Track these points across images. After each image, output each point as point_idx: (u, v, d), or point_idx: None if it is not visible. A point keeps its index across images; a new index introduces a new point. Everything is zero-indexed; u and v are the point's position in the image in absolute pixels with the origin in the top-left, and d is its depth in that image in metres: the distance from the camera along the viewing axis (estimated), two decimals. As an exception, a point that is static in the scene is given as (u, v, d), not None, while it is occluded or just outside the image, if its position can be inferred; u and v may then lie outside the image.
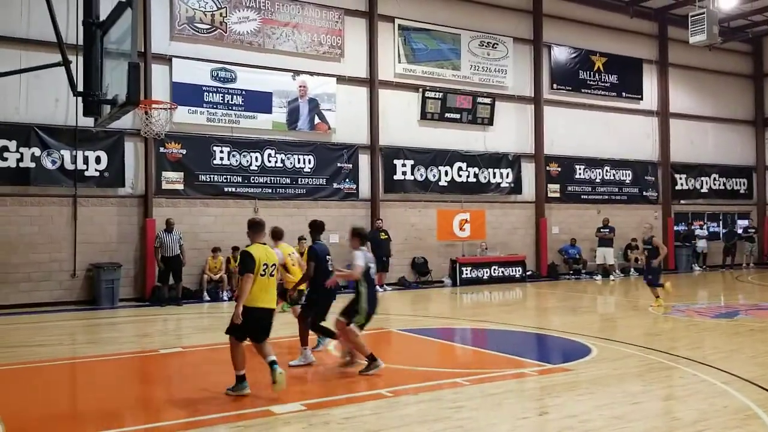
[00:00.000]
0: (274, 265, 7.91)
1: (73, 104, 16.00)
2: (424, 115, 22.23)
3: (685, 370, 9.07)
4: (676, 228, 28.13)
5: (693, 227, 28.81)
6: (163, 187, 18.15)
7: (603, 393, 7.92)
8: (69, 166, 17.01)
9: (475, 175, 23.24)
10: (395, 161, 21.74)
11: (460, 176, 22.94)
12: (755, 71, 30.67)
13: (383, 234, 19.92)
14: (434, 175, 22.43)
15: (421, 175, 22.19)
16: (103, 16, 7.05)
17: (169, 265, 17.05)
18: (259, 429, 6.66)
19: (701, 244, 28.28)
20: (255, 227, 8.13)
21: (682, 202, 28.64)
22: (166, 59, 18.21)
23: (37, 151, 16.72)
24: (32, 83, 16.48)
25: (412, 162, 22.01)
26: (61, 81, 14.33)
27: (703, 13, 21.60)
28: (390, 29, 21.78)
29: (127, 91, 6.34)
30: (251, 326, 7.81)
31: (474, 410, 7.20)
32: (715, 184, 29.56)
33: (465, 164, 23.02)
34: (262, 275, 7.77)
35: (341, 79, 20.80)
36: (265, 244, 8.10)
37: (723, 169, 29.76)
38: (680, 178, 28.51)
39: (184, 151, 18.42)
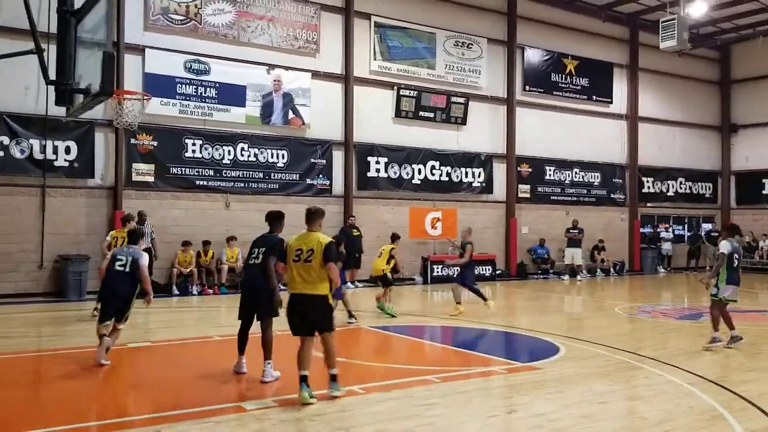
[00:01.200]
0: (310, 251, 7.51)
1: (44, 93, 15.70)
2: (398, 113, 22.21)
3: (651, 370, 9.16)
4: (642, 230, 28.47)
5: (659, 230, 29.18)
6: (133, 179, 17.92)
7: (571, 392, 7.97)
8: (38, 155, 16.72)
9: (448, 174, 23.29)
10: (369, 158, 21.70)
11: (433, 175, 22.97)
12: (722, 78, 31.13)
13: (356, 231, 19.88)
14: (407, 173, 22.42)
15: (395, 173, 22.17)
16: (77, 5, 6.91)
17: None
18: (230, 425, 6.60)
19: (666, 246, 28.66)
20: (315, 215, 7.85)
21: (648, 204, 28.99)
22: (139, 50, 17.97)
23: (5, 139, 16.42)
24: (2, 70, 16.14)
25: (385, 159, 21.98)
26: (32, 69, 14.08)
27: (674, 19, 21.85)
28: (366, 26, 21.72)
29: (101, 81, 6.22)
30: (288, 315, 7.67)
31: (444, 408, 7.20)
32: (681, 188, 29.97)
33: (438, 163, 23.06)
34: (294, 260, 7.57)
35: (316, 75, 20.70)
36: (312, 231, 7.74)
37: (689, 173, 30.18)
38: (647, 182, 28.85)
39: (155, 143, 18.20)
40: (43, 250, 16.83)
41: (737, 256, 11.17)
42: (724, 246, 11.10)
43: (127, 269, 9.32)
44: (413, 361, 10.27)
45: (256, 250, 8.62)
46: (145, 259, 9.56)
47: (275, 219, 8.86)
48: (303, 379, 7.37)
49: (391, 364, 9.62)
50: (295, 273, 7.53)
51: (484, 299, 14.96)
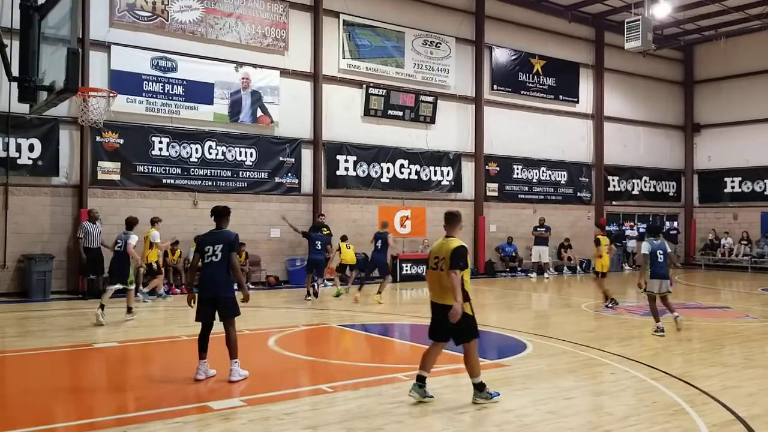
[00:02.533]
0: (442, 258, 7.31)
1: (6, 89, 15.41)
2: (367, 112, 22.21)
3: (617, 366, 9.28)
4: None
5: (624, 228, 29.56)
6: (98, 178, 17.70)
7: (538, 388, 8.04)
8: (1, 153, 16.43)
9: (417, 173, 23.35)
10: (338, 156, 21.66)
11: (401, 173, 23.00)
12: (686, 78, 31.63)
13: (325, 229, 19.82)
14: (376, 172, 22.43)
15: (364, 171, 22.16)
16: (41, 0, 6.81)
17: (90, 258, 16.40)
18: (197, 425, 6.54)
19: (631, 244, 29.03)
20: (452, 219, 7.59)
21: (614, 203, 29.37)
22: (105, 46, 17.75)
23: (-34, 137, 16.11)
24: (-37, 67, 15.83)
25: (354, 158, 21.96)
26: (-6, 65, 13.83)
27: (639, 20, 22.15)
28: (335, 24, 21.68)
29: (65, 78, 6.14)
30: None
31: (413, 405, 7.21)
32: (645, 187, 30.41)
33: (407, 161, 23.10)
34: (432, 268, 7.45)
35: (285, 73, 20.61)
36: (449, 236, 7.48)
37: (653, 172, 30.63)
38: (613, 180, 29.22)
39: (121, 141, 17.98)
40: (6, 249, 16.55)
41: (660, 252, 12.21)
42: (645, 247, 12.28)
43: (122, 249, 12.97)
44: (382, 359, 10.29)
45: (211, 247, 8.28)
46: (132, 239, 13.14)
47: (224, 215, 8.55)
48: (418, 379, 7.35)
49: (359, 363, 9.62)
50: (432, 281, 7.49)
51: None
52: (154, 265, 16.34)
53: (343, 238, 18.41)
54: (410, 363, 9.63)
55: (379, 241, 16.61)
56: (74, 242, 16.98)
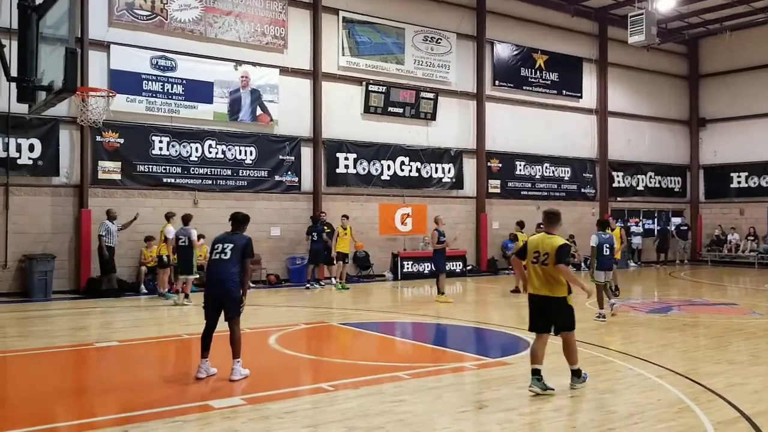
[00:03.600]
0: (546, 254, 7.90)
1: (6, 90, 15.46)
2: (367, 109, 22.23)
3: (621, 363, 9.30)
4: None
5: (629, 224, 29.54)
6: (99, 177, 17.75)
7: (541, 386, 8.06)
8: (1, 153, 16.49)
9: (418, 170, 23.37)
10: (338, 154, 21.70)
11: (402, 171, 23.03)
12: (690, 72, 31.58)
13: (327, 228, 19.87)
14: (377, 169, 22.47)
15: (364, 169, 22.20)
16: (39, 0, 6.85)
17: (111, 256, 16.89)
18: (198, 424, 6.59)
19: (636, 240, 29.01)
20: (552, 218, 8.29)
21: (618, 199, 29.34)
22: (104, 46, 17.79)
23: (-35, 137, 16.17)
24: (-39, 67, 15.89)
25: (354, 155, 22.00)
26: (-7, 65, 13.88)
27: (642, 14, 22.15)
28: (334, 21, 21.70)
29: (64, 78, 6.19)
30: (529, 312, 8.13)
31: (415, 404, 7.26)
32: (650, 182, 30.39)
33: (407, 159, 23.13)
34: (533, 262, 7.99)
35: (284, 71, 20.64)
36: (551, 234, 8.12)
37: (658, 167, 30.60)
38: (617, 176, 29.21)
39: (121, 141, 18.04)
40: (7, 249, 16.61)
41: (607, 246, 13.52)
42: (593, 240, 13.57)
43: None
44: (383, 357, 10.31)
45: (221, 245, 8.47)
46: (194, 233, 15.50)
47: (242, 222, 8.80)
48: (534, 373, 7.74)
49: (360, 361, 9.66)
50: (533, 274, 8.01)
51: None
52: (165, 259, 16.47)
53: (345, 217, 19.51)
54: (411, 361, 9.69)
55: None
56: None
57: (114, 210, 17.20)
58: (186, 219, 15.69)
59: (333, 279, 19.62)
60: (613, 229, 16.26)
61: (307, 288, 18.54)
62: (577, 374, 7.98)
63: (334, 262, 19.73)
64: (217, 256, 8.42)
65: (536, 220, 24.80)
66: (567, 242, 7.99)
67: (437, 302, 15.98)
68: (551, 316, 7.86)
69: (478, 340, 12.22)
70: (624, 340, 11.39)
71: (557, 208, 8.39)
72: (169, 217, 16.59)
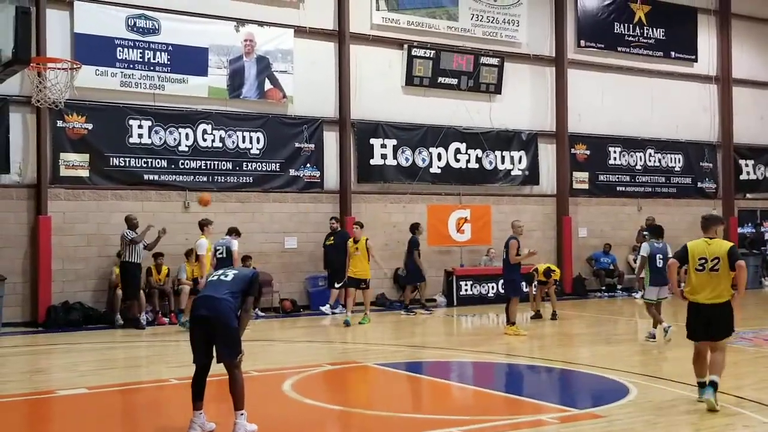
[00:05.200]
0: (716, 259, 9.44)
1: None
2: (410, 80, 22.24)
3: (753, 416, 9.15)
4: (740, 230, 28.35)
5: (762, 229, 29.07)
6: (61, 174, 17.99)
7: (645, 447, 7.98)
8: (-67, 144, 16.89)
9: (478, 160, 23.31)
10: (372, 140, 21.75)
11: (457, 161, 23.00)
12: None
13: (332, 239, 19.86)
14: (424, 160, 22.46)
15: (407, 159, 22.21)
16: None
17: (133, 275, 17.24)
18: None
19: (774, 250, 28.62)
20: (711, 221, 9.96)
21: (748, 196, 28.92)
22: (66, 3, 18.05)
23: None
24: None
25: (394, 141, 22.02)
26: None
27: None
28: (365, -35, 21.79)
29: (14, 46, 6.29)
30: (689, 320, 9.84)
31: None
32: (793, 173, 29.89)
33: (464, 145, 23.09)
34: (698, 270, 9.57)
35: (300, 32, 20.74)
36: (713, 238, 9.66)
37: (803, 152, 30.08)
38: (746, 165, 28.80)
39: (90, 126, 18.28)
40: (-56, 269, 16.98)
41: (660, 257, 14.77)
42: (644, 249, 15.02)
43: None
44: (433, 409, 10.28)
45: (224, 270, 8.81)
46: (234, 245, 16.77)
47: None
48: (703, 385, 9.41)
49: (403, 414, 9.63)
50: (699, 282, 9.61)
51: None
52: (200, 281, 16.49)
53: (357, 226, 18.45)
54: (472, 413, 9.64)
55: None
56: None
57: (134, 217, 17.44)
58: (231, 231, 17.19)
59: (328, 306, 19.77)
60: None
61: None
62: (714, 386, 9.17)
63: (334, 285, 19.71)
64: (215, 278, 8.57)
65: (637, 225, 24.62)
66: (734, 243, 9.76)
67: (506, 335, 15.90)
68: (714, 322, 9.45)
69: (561, 384, 12.11)
70: (758, 383, 11.19)
71: (715, 212, 9.75)
72: (203, 225, 16.90)
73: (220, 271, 8.69)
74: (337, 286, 19.56)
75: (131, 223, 17.34)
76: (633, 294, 24.17)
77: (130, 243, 17.02)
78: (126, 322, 17.44)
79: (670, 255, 13.73)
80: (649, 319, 15.51)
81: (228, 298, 8.26)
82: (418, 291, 20.49)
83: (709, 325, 9.50)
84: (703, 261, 9.47)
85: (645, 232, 23.63)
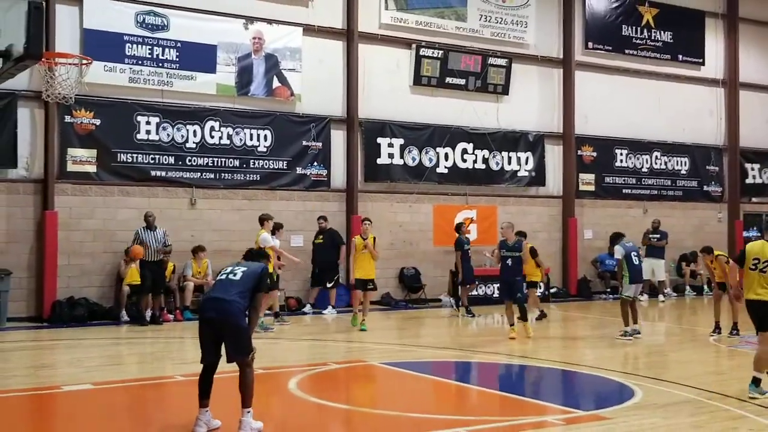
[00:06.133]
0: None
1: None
2: (418, 80, 22.23)
3: (757, 420, 9.13)
4: (746, 234, 28.27)
5: (769, 233, 28.96)
6: (68, 169, 18.01)
7: (651, 450, 7.97)
8: (-59, 139, 16.91)
9: (485, 160, 23.30)
10: (379, 140, 21.74)
11: (464, 161, 22.99)
12: None
13: (321, 237, 19.78)
14: (431, 159, 22.45)
15: (414, 159, 22.20)
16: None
17: (150, 273, 17.20)
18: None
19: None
20: None
21: (754, 200, 28.86)
22: (76, -1, 18.10)
23: None
24: None
25: (401, 141, 22.01)
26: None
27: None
28: (374, -35, 21.79)
29: (26, 41, 6.27)
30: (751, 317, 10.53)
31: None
32: (799, 177, 29.83)
33: (471, 145, 23.07)
34: (751, 269, 10.30)
35: (309, 30, 20.75)
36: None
37: (809, 157, 30.01)
38: (752, 169, 28.73)
39: (97, 122, 18.29)
40: (-50, 263, 17.00)
41: (634, 254, 15.80)
42: (618, 251, 15.74)
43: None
44: (438, 408, 10.28)
45: (231, 267, 8.70)
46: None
47: (255, 258, 9.05)
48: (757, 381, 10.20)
49: (408, 413, 9.61)
50: (754, 280, 10.30)
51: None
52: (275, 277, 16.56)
53: (366, 222, 17.71)
54: (476, 414, 9.63)
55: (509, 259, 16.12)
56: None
57: (152, 214, 17.52)
58: (275, 227, 17.05)
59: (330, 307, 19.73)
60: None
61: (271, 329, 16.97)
62: (758, 383, 10.09)
63: (326, 285, 19.81)
64: (224, 276, 8.53)
65: (642, 228, 24.57)
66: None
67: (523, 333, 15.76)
68: (764, 317, 10.26)
69: (566, 386, 12.12)
70: (765, 386, 11.14)
71: None
72: (263, 220, 16.80)
73: (229, 269, 8.61)
74: (329, 285, 19.68)
75: (146, 220, 17.41)
76: (638, 297, 24.08)
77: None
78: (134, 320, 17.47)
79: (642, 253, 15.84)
80: (654, 321, 15.48)
81: (237, 299, 8.25)
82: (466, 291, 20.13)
83: (764, 321, 10.27)
84: (756, 261, 10.24)
85: (653, 235, 23.86)
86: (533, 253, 18.39)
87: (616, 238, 16.48)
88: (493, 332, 17.45)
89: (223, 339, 8.27)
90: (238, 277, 8.41)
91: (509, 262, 15.99)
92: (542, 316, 18.65)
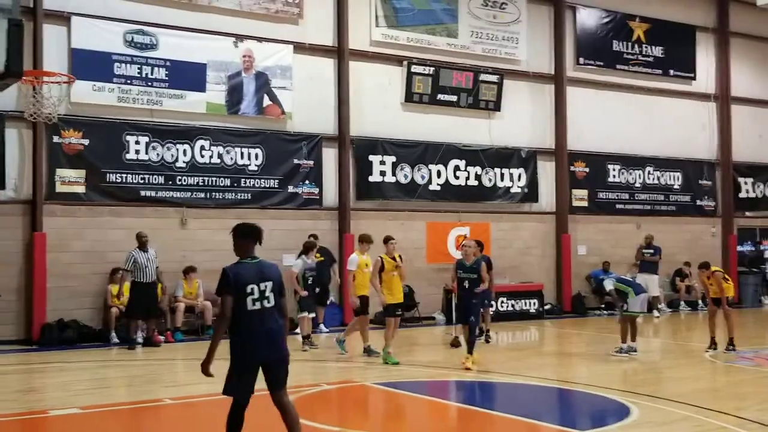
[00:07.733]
0: None
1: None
2: (409, 97, 22.24)
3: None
4: (740, 248, 28.31)
5: (762, 247, 29.02)
6: (57, 190, 17.91)
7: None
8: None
9: (477, 177, 23.27)
10: (371, 157, 21.71)
11: (457, 178, 22.96)
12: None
13: (317, 255, 19.55)
14: (423, 176, 22.41)
15: (406, 176, 22.16)
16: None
17: (143, 295, 17.00)
18: None
19: (774, 270, 28.55)
20: None
21: (747, 214, 28.89)
22: (63, 17, 18.02)
23: None
24: None
25: (393, 158, 21.98)
26: None
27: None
28: (365, -18, 21.79)
29: (7, 59, 6.19)
30: None
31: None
32: (792, 191, 29.86)
33: (463, 162, 23.05)
34: None
35: (300, 48, 20.74)
36: None
37: (802, 171, 30.05)
38: (745, 183, 28.78)
39: (86, 142, 18.21)
40: (-64, 287, 16.88)
41: (623, 276, 16.36)
42: (608, 284, 15.59)
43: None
44: (433, 429, 10.26)
45: (257, 287, 7.60)
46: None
47: (252, 236, 8.25)
48: None
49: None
50: None
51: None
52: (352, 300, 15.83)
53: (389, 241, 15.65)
54: (472, 435, 9.50)
55: (466, 281, 14.82)
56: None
57: (145, 234, 17.23)
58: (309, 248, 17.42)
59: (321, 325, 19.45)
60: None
61: (305, 349, 16.53)
62: None
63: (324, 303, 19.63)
64: (257, 305, 7.54)
65: (635, 243, 24.52)
66: None
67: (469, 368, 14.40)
68: None
69: (561, 404, 12.10)
70: (761, 404, 11.10)
71: None
72: (363, 241, 15.88)
73: (256, 294, 7.54)
74: (328, 303, 19.68)
75: (139, 241, 17.18)
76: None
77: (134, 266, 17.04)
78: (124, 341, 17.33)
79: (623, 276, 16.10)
80: (648, 336, 15.46)
81: (282, 328, 7.72)
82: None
83: None
84: None
85: (647, 250, 23.83)
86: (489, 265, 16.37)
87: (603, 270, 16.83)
88: (487, 350, 17.34)
89: (269, 374, 7.62)
90: (272, 303, 7.65)
91: (466, 284, 14.68)
92: (486, 336, 17.97)
